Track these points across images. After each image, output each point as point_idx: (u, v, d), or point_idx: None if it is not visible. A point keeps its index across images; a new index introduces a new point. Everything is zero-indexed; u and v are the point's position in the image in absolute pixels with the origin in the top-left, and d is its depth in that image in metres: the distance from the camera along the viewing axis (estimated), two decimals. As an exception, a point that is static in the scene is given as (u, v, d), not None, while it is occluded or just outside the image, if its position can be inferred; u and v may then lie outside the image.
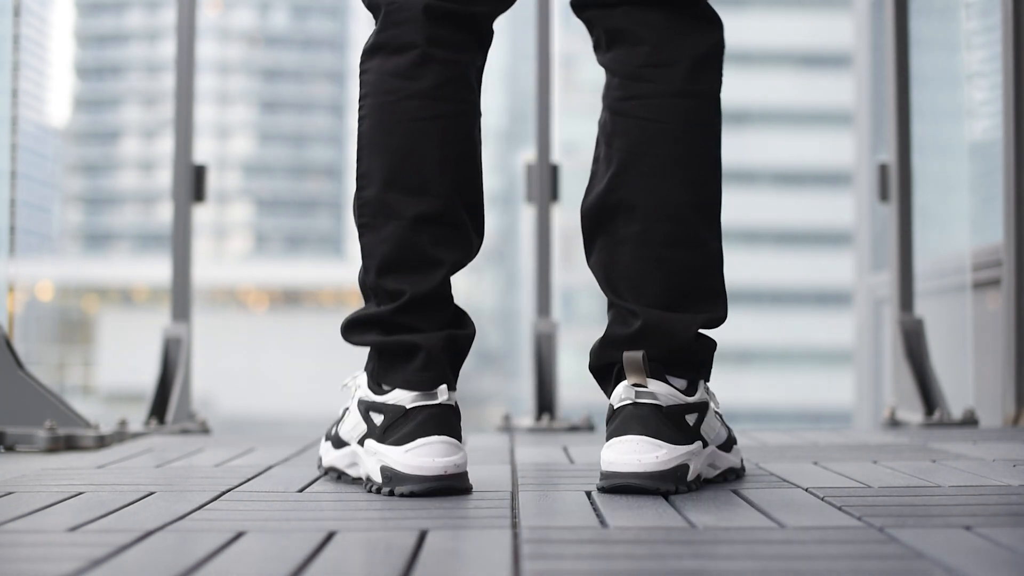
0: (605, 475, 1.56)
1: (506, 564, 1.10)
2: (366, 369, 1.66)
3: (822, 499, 1.49)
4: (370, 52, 1.65)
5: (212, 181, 3.33)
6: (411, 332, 1.60)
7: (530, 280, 3.34)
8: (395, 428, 1.57)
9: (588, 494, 1.56)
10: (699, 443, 1.61)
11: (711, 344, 1.68)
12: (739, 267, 39.49)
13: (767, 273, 40.62)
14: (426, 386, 1.58)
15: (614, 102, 1.68)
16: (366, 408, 1.63)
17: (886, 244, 3.61)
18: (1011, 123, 3.11)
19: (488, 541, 1.21)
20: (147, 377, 3.10)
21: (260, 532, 1.27)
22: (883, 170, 3.41)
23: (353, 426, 1.66)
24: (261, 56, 50.80)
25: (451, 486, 1.54)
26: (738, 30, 40.76)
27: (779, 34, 41.17)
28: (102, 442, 2.44)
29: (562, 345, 3.30)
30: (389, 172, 1.61)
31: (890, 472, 1.79)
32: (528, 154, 3.38)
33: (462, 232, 1.63)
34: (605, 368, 1.67)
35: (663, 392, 1.58)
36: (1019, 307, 3.08)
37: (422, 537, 1.23)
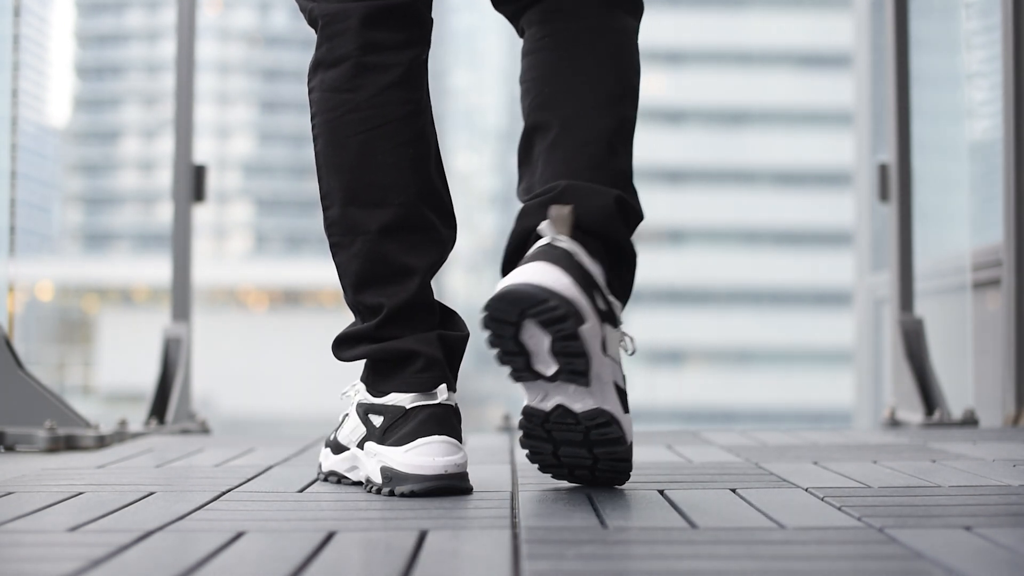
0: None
1: (506, 564, 1.10)
2: (362, 379, 1.66)
3: (822, 499, 1.49)
4: (313, 70, 1.64)
5: (212, 181, 3.33)
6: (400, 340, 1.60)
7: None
8: (395, 429, 1.57)
9: (588, 493, 1.56)
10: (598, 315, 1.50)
11: (634, 222, 1.61)
12: (739, 267, 39.55)
13: (767, 273, 40.60)
14: (426, 387, 1.57)
15: (529, 49, 1.67)
16: (365, 411, 1.63)
17: (886, 244, 3.61)
18: (1011, 123, 3.10)
19: (488, 541, 1.21)
20: (147, 377, 3.10)
21: (260, 532, 1.27)
22: (883, 170, 3.40)
23: (352, 429, 1.67)
24: (261, 56, 50.79)
25: (451, 486, 1.54)
26: (738, 30, 40.81)
27: (779, 34, 41.14)
28: (102, 442, 2.44)
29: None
30: (346, 189, 1.60)
31: (890, 472, 1.79)
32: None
33: (431, 234, 1.62)
34: (521, 247, 1.58)
35: (580, 251, 1.50)
36: (1019, 307, 3.08)
37: (422, 537, 1.23)
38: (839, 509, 1.40)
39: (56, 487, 1.67)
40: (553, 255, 1.47)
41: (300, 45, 50.66)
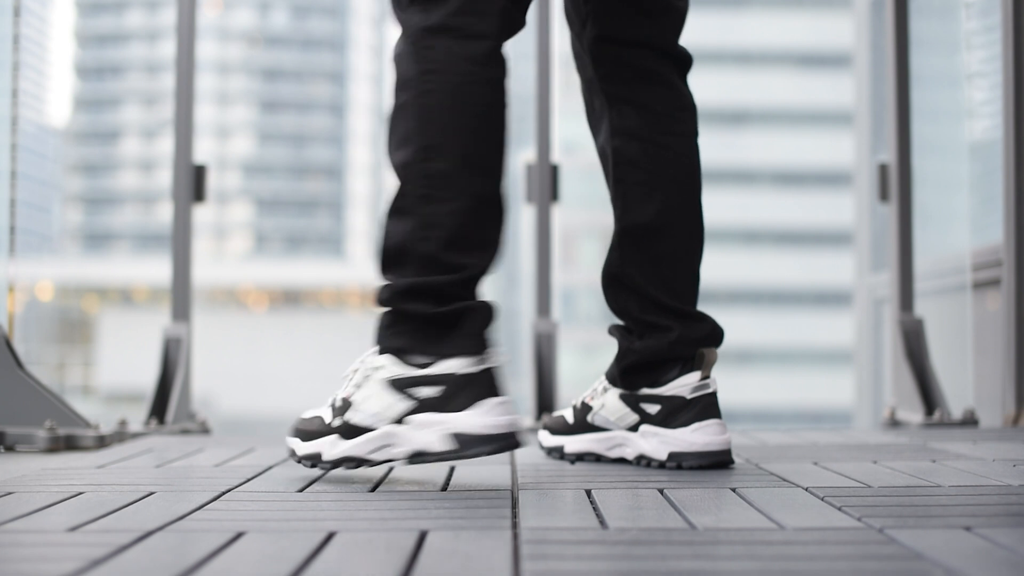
0: (703, 455, 1.84)
1: (506, 564, 1.10)
2: (389, 349, 1.66)
3: (822, 499, 1.49)
4: (435, 31, 1.69)
5: (212, 181, 3.33)
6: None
7: (530, 280, 3.34)
8: (460, 394, 1.62)
9: (588, 493, 1.56)
10: None
11: None
12: (739, 267, 39.54)
13: (767, 273, 40.62)
14: (483, 349, 1.65)
15: (656, 135, 1.94)
16: (404, 385, 1.64)
17: (886, 244, 3.61)
18: (1011, 123, 3.11)
19: (488, 541, 1.21)
20: (147, 377, 3.10)
21: (260, 532, 1.27)
22: (883, 170, 3.41)
23: (384, 408, 1.66)
24: (261, 56, 50.80)
25: (518, 442, 1.64)
26: (738, 30, 40.80)
27: (779, 34, 41.17)
28: (102, 442, 2.45)
29: (562, 345, 3.30)
30: (464, 149, 1.67)
31: (890, 472, 1.79)
32: (528, 154, 3.38)
33: (505, 217, 1.72)
34: (670, 360, 1.92)
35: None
36: (1019, 307, 3.08)
37: (422, 537, 1.23)
38: (839, 509, 1.40)
39: (56, 487, 1.67)
40: (716, 407, 1.90)
41: (300, 45, 50.70)
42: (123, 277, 43.97)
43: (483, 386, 1.63)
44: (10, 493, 1.61)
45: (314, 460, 1.72)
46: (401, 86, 1.71)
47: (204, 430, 3.01)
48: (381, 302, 1.70)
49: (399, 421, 1.65)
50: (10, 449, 2.38)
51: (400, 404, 1.65)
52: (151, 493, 1.59)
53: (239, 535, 1.25)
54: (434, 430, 1.62)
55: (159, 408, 2.99)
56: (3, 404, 2.42)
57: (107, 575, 1.06)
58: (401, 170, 1.69)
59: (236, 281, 44.48)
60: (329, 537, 1.23)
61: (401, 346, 1.66)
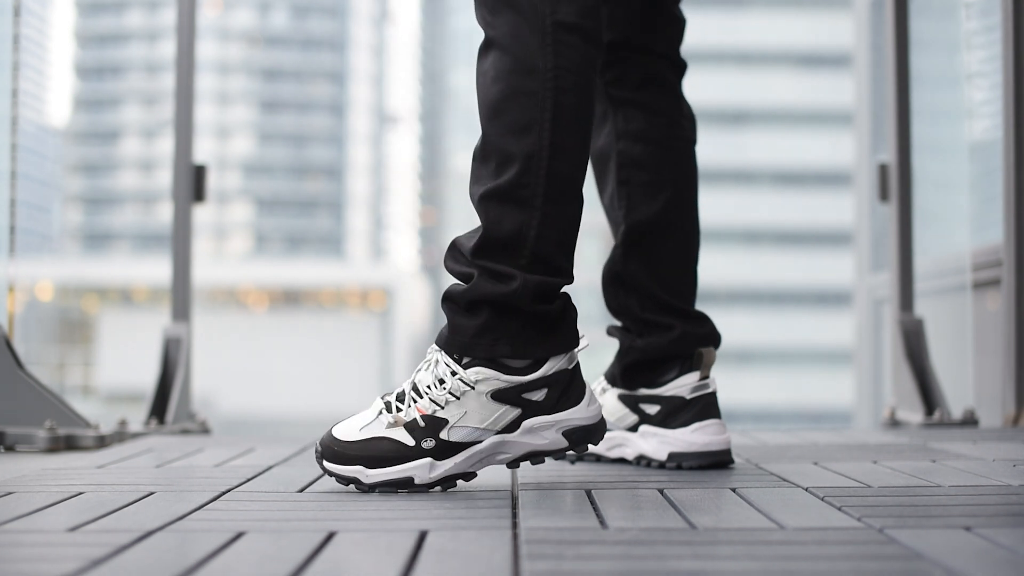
0: (703, 455, 1.86)
1: (506, 564, 1.10)
2: (486, 359, 1.60)
3: (822, 499, 1.49)
4: (571, 28, 1.64)
5: (212, 181, 3.33)
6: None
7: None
8: (572, 389, 1.64)
9: (588, 493, 1.56)
10: None
11: None
12: (739, 267, 39.55)
13: (767, 273, 40.63)
14: (577, 343, 1.66)
15: (662, 138, 1.98)
16: (513, 394, 1.60)
17: (886, 244, 3.61)
18: (1011, 123, 3.10)
19: (488, 541, 1.21)
20: (147, 377, 3.10)
21: (260, 532, 1.27)
22: (883, 170, 3.40)
23: (491, 419, 1.60)
24: (261, 56, 50.80)
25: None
26: (738, 30, 40.81)
27: (779, 34, 41.18)
28: (102, 442, 2.44)
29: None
30: (582, 156, 1.66)
31: (890, 472, 1.79)
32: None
33: None
34: (670, 359, 1.93)
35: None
36: (1019, 307, 3.08)
37: (422, 537, 1.23)
38: (839, 509, 1.40)
39: (56, 487, 1.67)
40: (716, 406, 1.92)
41: (300, 45, 50.69)
42: (123, 277, 43.98)
43: (578, 379, 1.66)
44: (10, 493, 1.61)
45: (393, 485, 1.61)
46: (524, 70, 1.62)
47: (204, 430, 3.01)
48: (468, 300, 1.61)
49: (513, 428, 1.61)
50: (10, 449, 2.38)
51: (510, 413, 1.61)
52: (151, 493, 1.59)
53: (239, 535, 1.25)
54: (552, 430, 1.62)
55: (159, 408, 2.99)
56: (3, 404, 2.42)
57: (107, 575, 1.06)
58: (524, 160, 1.60)
59: (236, 281, 44.49)
60: (329, 537, 1.23)
61: (502, 353, 1.61)
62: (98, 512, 1.41)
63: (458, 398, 1.60)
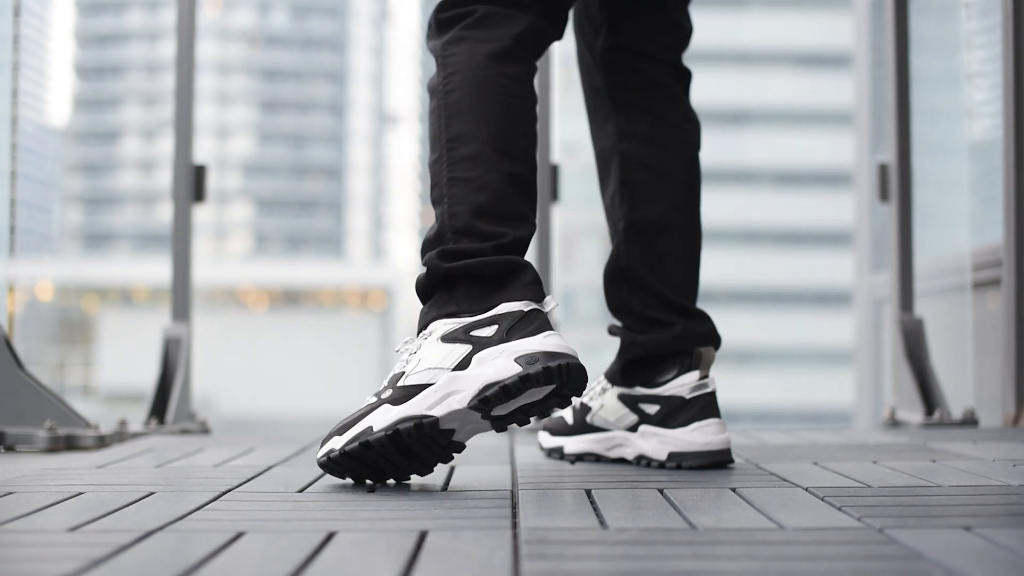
0: (702, 454, 1.85)
1: (506, 564, 1.10)
2: (437, 318, 1.65)
3: (822, 499, 1.49)
4: (454, 41, 1.78)
5: (212, 181, 3.33)
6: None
7: (530, 280, 3.32)
8: (525, 323, 1.62)
9: (588, 493, 1.56)
10: None
11: None
12: (739, 267, 39.54)
13: (767, 273, 40.61)
14: (538, 297, 1.66)
15: (665, 140, 2.01)
16: (462, 332, 1.62)
17: (886, 244, 3.61)
18: (1011, 123, 3.11)
19: (488, 541, 1.21)
20: (147, 377, 3.10)
21: (260, 532, 1.27)
22: (883, 170, 3.40)
23: (441, 357, 1.62)
24: (261, 56, 50.79)
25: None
26: (738, 30, 40.80)
27: (779, 34, 41.16)
28: (102, 442, 2.44)
29: (562, 345, 3.28)
30: (488, 134, 1.71)
31: (890, 472, 1.79)
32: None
33: (535, 201, 1.76)
34: (671, 355, 1.94)
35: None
36: (1019, 307, 3.08)
37: (422, 537, 1.23)
38: (839, 509, 1.40)
39: (56, 487, 1.67)
40: (715, 406, 1.91)
41: (300, 45, 50.69)
42: (123, 277, 43.96)
43: (541, 324, 1.62)
44: (10, 493, 1.61)
45: (356, 441, 1.62)
46: (431, 99, 1.76)
47: (204, 430, 3.01)
48: (420, 285, 1.70)
49: (461, 367, 1.60)
50: (10, 449, 2.38)
51: (458, 350, 1.61)
52: (151, 493, 1.59)
53: (239, 535, 1.25)
54: (501, 359, 1.59)
55: (159, 408, 2.99)
56: (3, 404, 2.42)
57: (107, 575, 1.06)
58: (432, 167, 1.72)
59: (236, 281, 44.47)
60: (329, 537, 1.23)
61: (450, 312, 1.66)
62: (98, 512, 1.41)
63: (415, 353, 1.65)
